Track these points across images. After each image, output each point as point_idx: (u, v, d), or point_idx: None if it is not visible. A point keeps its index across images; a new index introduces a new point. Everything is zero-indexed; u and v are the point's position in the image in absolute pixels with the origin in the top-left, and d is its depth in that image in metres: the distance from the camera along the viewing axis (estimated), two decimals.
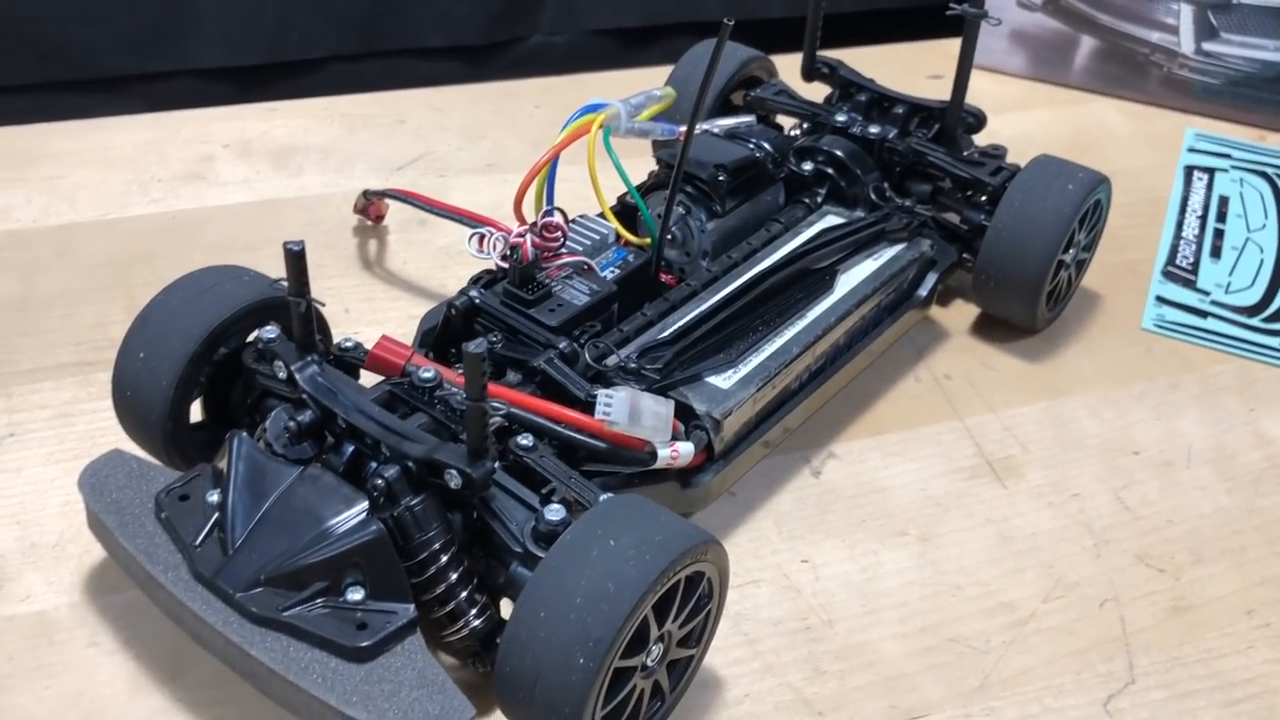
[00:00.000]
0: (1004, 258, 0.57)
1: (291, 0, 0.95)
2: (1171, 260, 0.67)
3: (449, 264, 0.63)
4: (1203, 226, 0.70)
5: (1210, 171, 0.75)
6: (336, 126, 0.74)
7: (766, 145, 0.59)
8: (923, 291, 0.57)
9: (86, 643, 0.42)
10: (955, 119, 0.60)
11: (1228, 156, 0.77)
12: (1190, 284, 0.65)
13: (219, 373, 0.45)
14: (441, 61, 1.03)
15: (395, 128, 0.75)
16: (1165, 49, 0.81)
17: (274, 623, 0.37)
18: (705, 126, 0.61)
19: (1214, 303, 0.64)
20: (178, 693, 0.41)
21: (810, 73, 0.65)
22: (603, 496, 0.40)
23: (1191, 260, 0.67)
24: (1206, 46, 0.80)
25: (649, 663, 0.38)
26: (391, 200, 0.62)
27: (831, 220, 0.58)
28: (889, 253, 0.56)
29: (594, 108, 0.56)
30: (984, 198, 0.59)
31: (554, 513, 0.38)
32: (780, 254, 0.54)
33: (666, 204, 0.52)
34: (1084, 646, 0.45)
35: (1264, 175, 0.75)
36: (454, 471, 0.38)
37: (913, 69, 0.87)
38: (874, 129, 0.60)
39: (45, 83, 0.92)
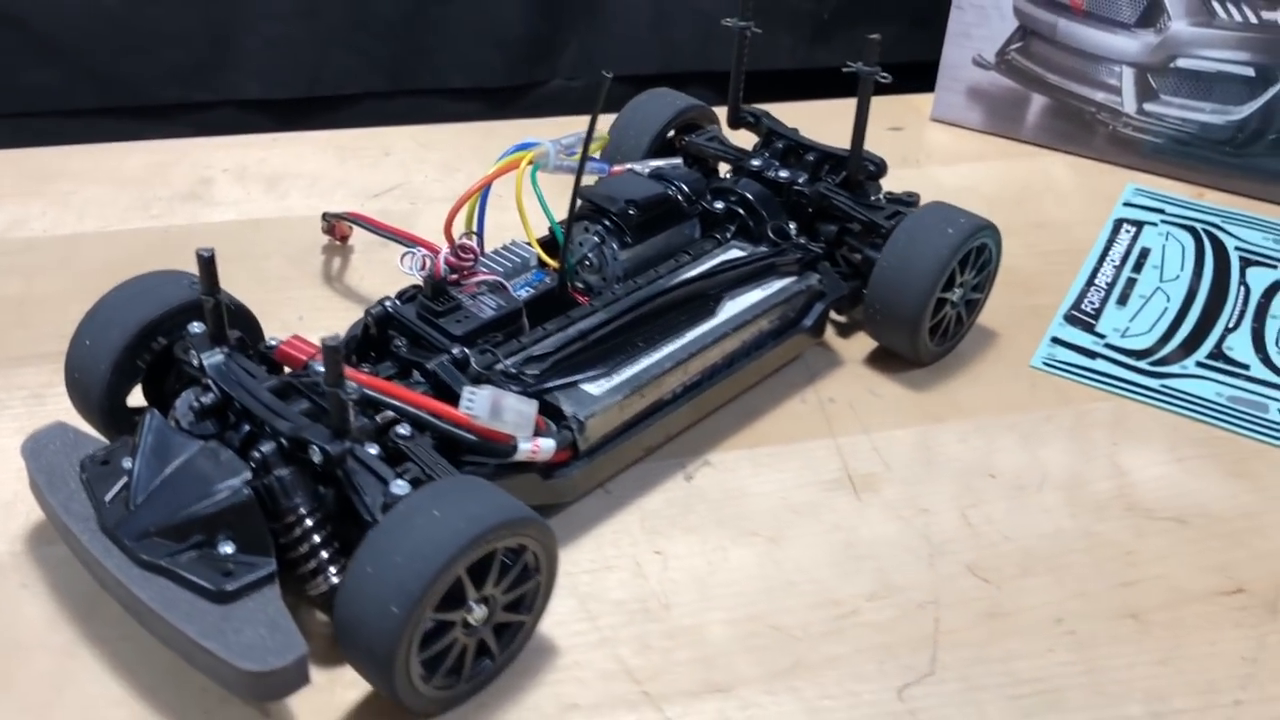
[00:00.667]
0: (887, 293, 0.62)
1: (327, 40, 1.04)
2: (1077, 305, 0.71)
3: (402, 281, 0.69)
4: (1117, 275, 0.74)
5: (1139, 225, 0.79)
6: (328, 157, 0.83)
7: (684, 185, 0.65)
8: (808, 321, 0.62)
9: (19, 584, 0.49)
10: (856, 166, 0.65)
11: (1161, 211, 0.81)
12: (1090, 328, 0.69)
13: (157, 362, 0.52)
14: (465, 102, 1.11)
15: (380, 159, 0.83)
16: (1110, 108, 0.85)
17: (156, 567, 0.44)
18: (634, 166, 0.67)
19: (1107, 345, 0.68)
20: (88, 629, 0.48)
21: (736, 121, 0.71)
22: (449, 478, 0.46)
23: (1097, 306, 0.71)
24: (1147, 107, 0.84)
25: (471, 621, 0.44)
26: (355, 224, 0.69)
27: (734, 254, 0.63)
28: (778, 284, 0.62)
29: (525, 146, 0.63)
30: (880, 238, 0.64)
31: (399, 488, 0.44)
32: (676, 280, 0.60)
33: (567, 226, 0.58)
34: (894, 641, 0.50)
35: (1191, 230, 0.79)
36: (316, 447, 0.45)
37: (874, 121, 0.92)
38: (784, 173, 0.66)
39: (101, 108, 1.02)
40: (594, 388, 0.54)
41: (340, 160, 0.82)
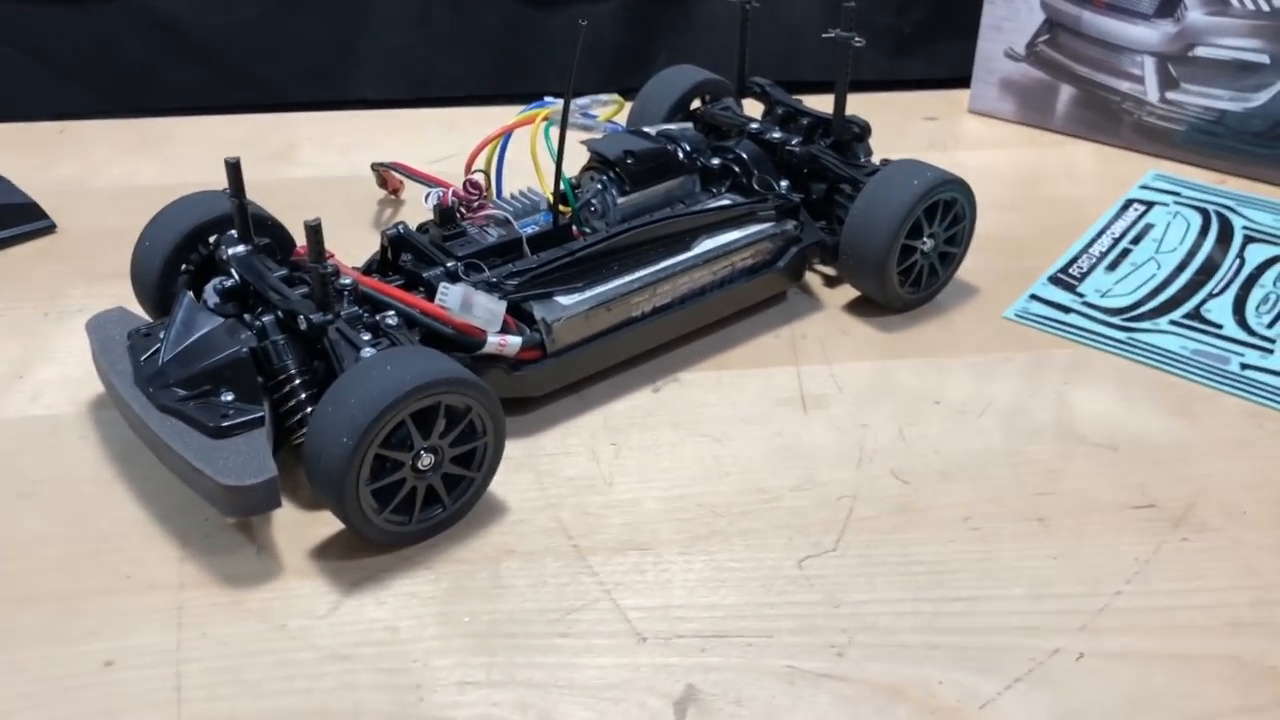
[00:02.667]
0: (857, 239, 0.67)
1: (435, 48, 1.15)
2: (1065, 269, 0.75)
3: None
4: (1113, 246, 0.77)
5: (1149, 204, 0.82)
6: (398, 131, 0.93)
7: (686, 144, 0.72)
8: (781, 262, 0.68)
9: (78, 436, 0.60)
10: (840, 128, 0.71)
11: (1176, 194, 0.84)
12: (1071, 288, 0.73)
13: (204, 262, 0.62)
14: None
15: (445, 133, 0.93)
16: (1134, 97, 0.88)
17: (170, 409, 0.53)
18: (646, 129, 0.75)
19: (1085, 303, 0.71)
20: (124, 470, 0.57)
21: (742, 90, 0.77)
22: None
23: (1085, 270, 0.75)
24: (1170, 95, 0.87)
25: (420, 466, 0.51)
26: (396, 173, 0.79)
27: (723, 202, 0.70)
28: (754, 228, 0.68)
29: (543, 103, 0.72)
30: (857, 191, 0.70)
31: (367, 352, 0.53)
32: (657, 218, 0.67)
33: (556, 168, 0.66)
34: (807, 523, 0.55)
35: (1201, 210, 0.81)
36: (303, 317, 0.54)
37: (911, 111, 0.98)
38: (778, 134, 0.73)
39: (237, 104, 1.15)
40: (566, 299, 0.61)
41: (406, 133, 0.93)
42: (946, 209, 0.69)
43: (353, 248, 0.71)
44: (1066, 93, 0.92)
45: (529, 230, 0.66)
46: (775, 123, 0.75)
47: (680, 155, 0.71)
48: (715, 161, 0.72)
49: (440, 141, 0.91)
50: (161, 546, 0.53)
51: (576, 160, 0.70)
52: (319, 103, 1.16)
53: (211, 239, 0.62)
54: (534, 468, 0.58)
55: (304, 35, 1.12)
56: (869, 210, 0.67)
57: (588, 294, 0.62)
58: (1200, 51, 0.85)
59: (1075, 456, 0.59)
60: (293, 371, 0.54)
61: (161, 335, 0.57)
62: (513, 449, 0.58)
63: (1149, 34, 0.86)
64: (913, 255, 0.68)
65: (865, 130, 0.72)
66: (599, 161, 0.70)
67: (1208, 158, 0.87)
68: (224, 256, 0.59)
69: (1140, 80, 0.88)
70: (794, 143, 0.72)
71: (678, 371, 0.65)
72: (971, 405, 0.63)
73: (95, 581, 0.51)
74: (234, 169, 0.57)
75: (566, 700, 0.46)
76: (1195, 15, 0.84)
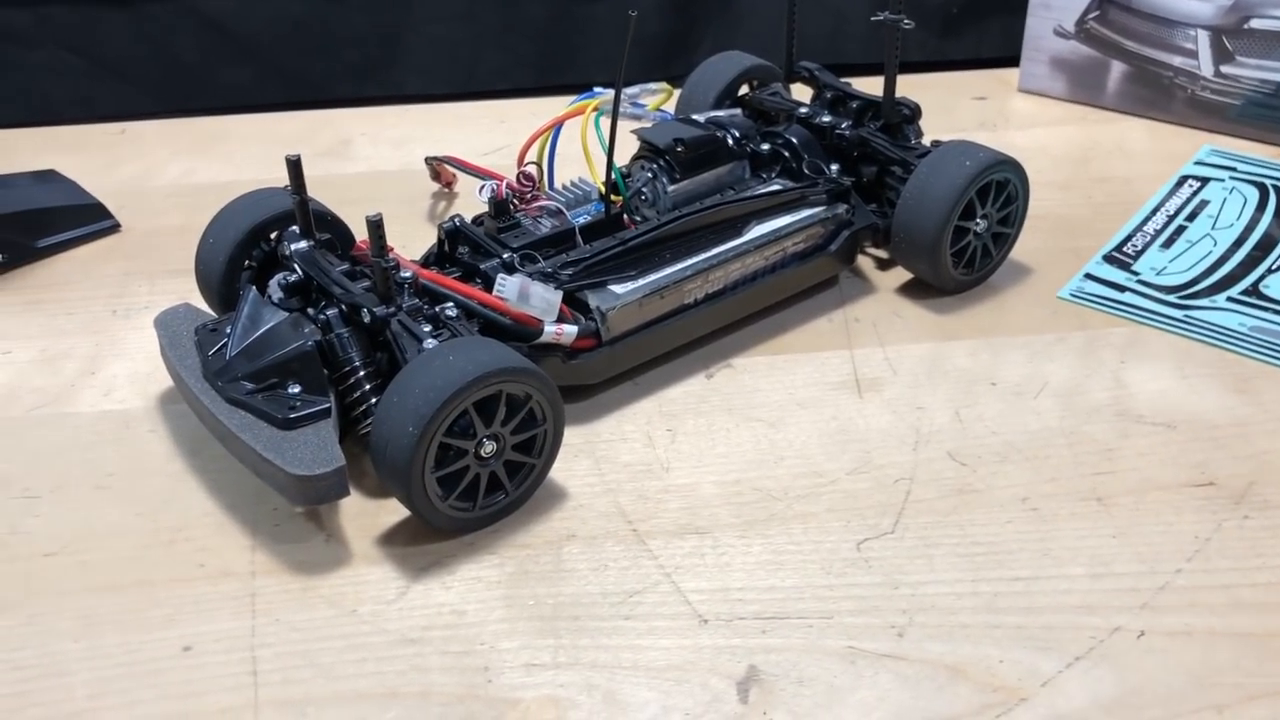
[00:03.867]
0: (909, 220, 0.67)
1: (481, 42, 1.16)
2: (1119, 247, 0.74)
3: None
4: (1169, 223, 0.77)
5: (1205, 180, 0.81)
6: (449, 125, 0.94)
7: (735, 130, 0.72)
8: (833, 246, 0.68)
9: (148, 430, 0.61)
10: (890, 110, 0.71)
11: (1232, 169, 0.83)
12: (1126, 266, 0.72)
13: (267, 257, 0.64)
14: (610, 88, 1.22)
15: (495, 126, 0.94)
16: (1187, 72, 0.87)
17: (239, 402, 0.55)
18: (695, 116, 0.75)
19: (1140, 281, 0.71)
20: (194, 463, 0.59)
21: (790, 75, 0.78)
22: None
23: (1139, 248, 0.74)
24: (1224, 69, 0.86)
25: (483, 454, 0.52)
26: (450, 166, 0.80)
27: (773, 188, 0.70)
28: (805, 212, 0.68)
29: (593, 94, 0.72)
30: (909, 174, 0.70)
31: (429, 343, 0.54)
32: (708, 205, 0.68)
33: (608, 157, 0.66)
34: (865, 506, 0.55)
35: (1259, 185, 0.80)
36: (366, 310, 0.55)
37: (960, 91, 0.97)
38: (827, 118, 0.73)
39: (286, 102, 1.17)
40: (620, 288, 0.62)
41: (458, 127, 0.94)
42: (999, 190, 0.69)
43: (409, 240, 0.72)
44: (1118, 69, 0.91)
45: (581, 220, 0.67)
46: (824, 107, 0.75)
47: (729, 141, 0.72)
48: (765, 147, 0.72)
49: (490, 134, 0.92)
50: (233, 535, 0.54)
51: (626, 149, 0.71)
52: (365, 98, 1.17)
53: (273, 235, 0.63)
54: (592, 454, 0.59)
55: (350, 31, 1.14)
56: (921, 192, 0.67)
57: (641, 282, 0.63)
58: (1255, 23, 0.83)
59: (1133, 436, 0.59)
60: (357, 363, 0.55)
61: (228, 330, 0.58)
62: (571, 436, 0.59)
63: (1202, 7, 0.85)
64: (966, 236, 0.68)
65: (916, 112, 0.72)
66: (649, 150, 0.71)
67: (1265, 131, 0.86)
68: (287, 252, 0.60)
69: (1194, 55, 0.87)
70: (844, 126, 0.72)
71: (731, 357, 0.66)
72: (1028, 386, 0.63)
73: (171, 570, 0.53)
74: (295, 166, 0.58)
75: (631, 681, 0.47)
76: None
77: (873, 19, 0.69)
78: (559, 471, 0.57)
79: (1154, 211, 0.78)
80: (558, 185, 0.71)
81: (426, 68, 1.17)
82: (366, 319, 0.55)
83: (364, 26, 1.14)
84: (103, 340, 0.68)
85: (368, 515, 0.55)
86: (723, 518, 0.55)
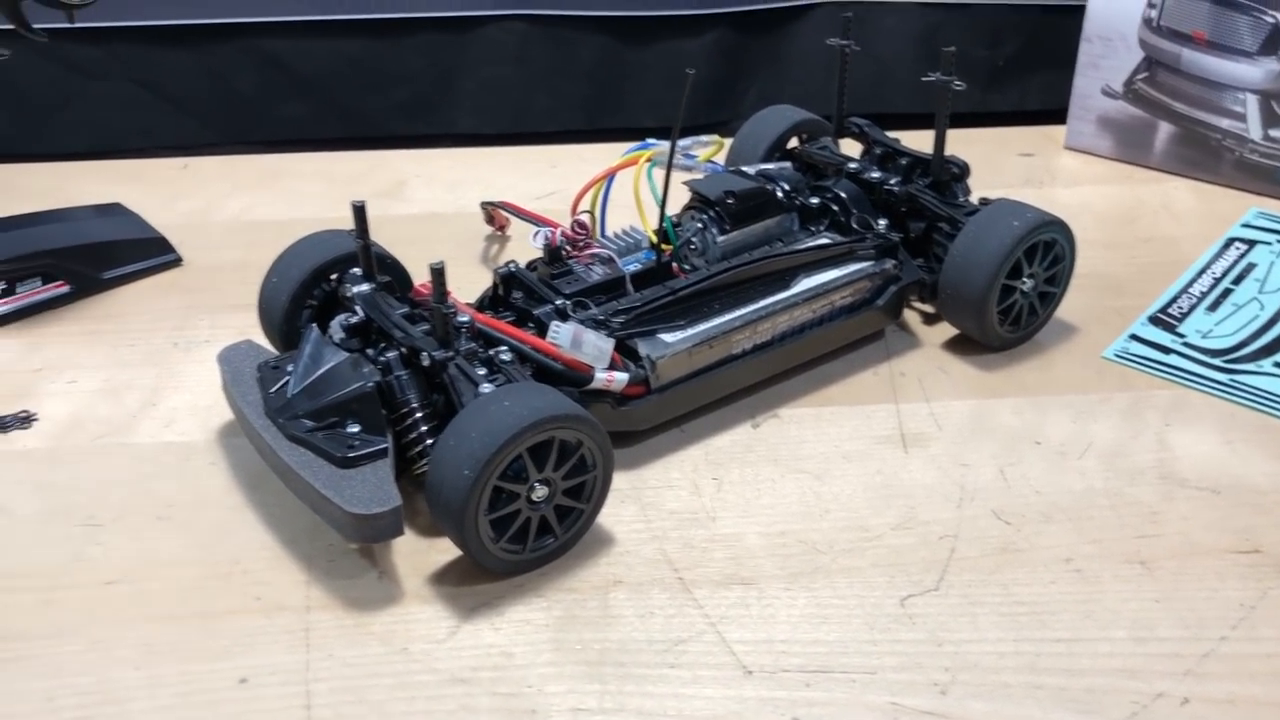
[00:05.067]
0: (957, 278, 0.68)
1: (531, 85, 1.19)
2: (1165, 309, 0.75)
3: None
4: (1215, 285, 0.77)
5: (1252, 243, 0.82)
6: (502, 168, 0.96)
7: (784, 183, 0.74)
8: (881, 300, 0.69)
9: (208, 462, 0.63)
10: (939, 168, 0.72)
11: (1279, 233, 0.83)
12: (1172, 328, 0.73)
13: (328, 298, 0.66)
14: (657, 138, 1.24)
15: (547, 170, 0.96)
16: (1236, 135, 0.88)
17: (300, 440, 0.56)
18: (744, 168, 0.77)
19: (1185, 344, 0.71)
20: (252, 497, 0.60)
21: (840, 131, 0.79)
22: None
23: (1185, 311, 0.75)
24: (1273, 133, 0.87)
25: (535, 498, 0.54)
26: (504, 211, 0.82)
27: (822, 241, 0.71)
28: (853, 266, 0.69)
29: (646, 145, 0.74)
30: (956, 231, 0.71)
31: (485, 387, 0.55)
32: (757, 257, 0.69)
33: (660, 208, 0.68)
34: (909, 562, 0.56)
35: None
36: (425, 354, 0.56)
37: (1007, 146, 0.98)
38: (876, 174, 0.74)
39: (343, 137, 1.20)
40: (669, 336, 0.63)
41: (513, 170, 0.96)
42: (1046, 249, 0.69)
43: (462, 282, 0.73)
44: (1165, 130, 0.91)
45: (632, 268, 0.68)
46: (873, 162, 0.76)
47: (779, 194, 0.73)
48: (814, 200, 0.74)
49: (541, 178, 0.94)
50: (289, 570, 0.56)
51: (678, 200, 0.72)
52: (418, 136, 1.20)
53: (333, 276, 0.65)
54: (638, 500, 0.60)
55: (404, 70, 1.17)
56: (969, 250, 0.68)
57: (690, 331, 0.64)
58: None
59: (1177, 499, 0.59)
60: (415, 405, 0.57)
61: (289, 368, 0.60)
62: (617, 481, 0.60)
63: (1252, 71, 0.86)
64: (1012, 295, 0.69)
65: (965, 170, 0.73)
66: (699, 201, 0.72)
67: None
68: (348, 294, 0.62)
69: (1242, 118, 0.87)
70: (892, 182, 0.73)
71: (777, 407, 0.67)
72: (1072, 446, 0.63)
73: (228, 602, 0.54)
74: (360, 212, 0.60)
75: None
76: None
77: (924, 79, 0.71)
78: (606, 517, 0.58)
79: (1200, 273, 0.78)
80: (609, 233, 0.72)
81: (478, 108, 1.20)
82: (425, 362, 0.56)
83: (418, 66, 1.17)
84: (164, 372, 0.70)
85: (419, 553, 0.56)
86: (768, 569, 0.56)
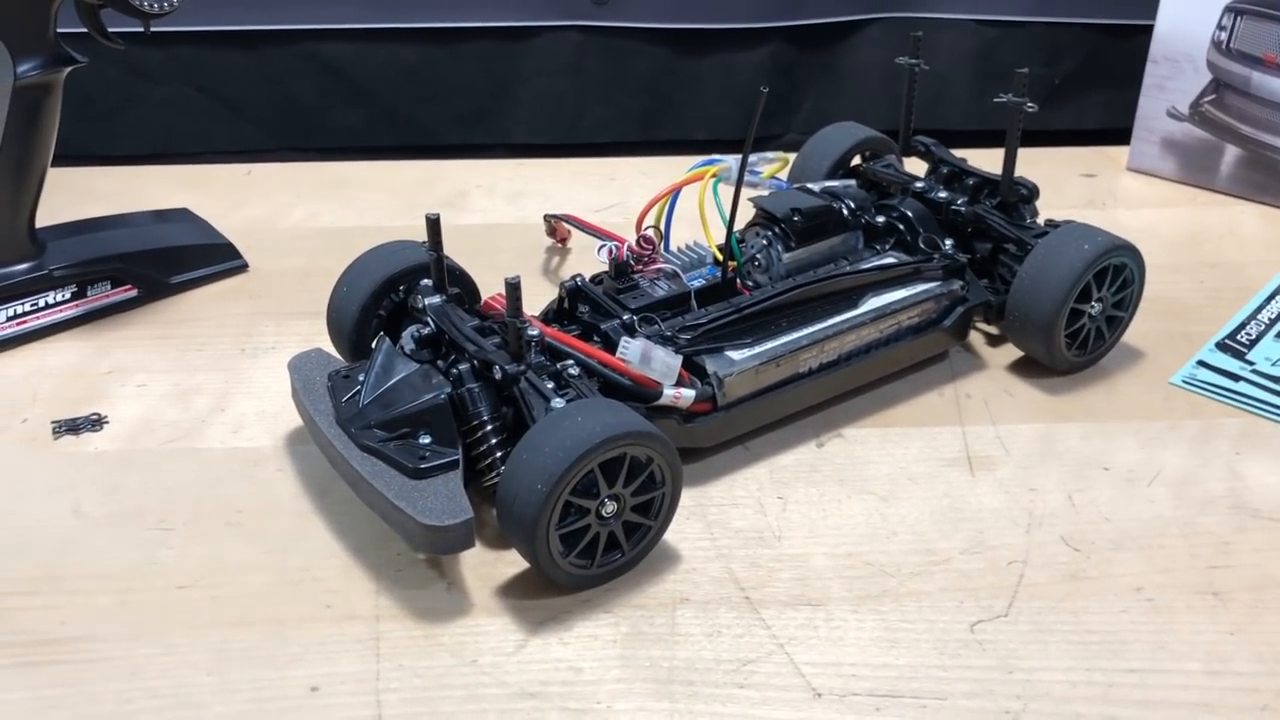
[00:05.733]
0: (1025, 300, 0.68)
1: (586, 96, 1.19)
2: (1233, 335, 0.74)
3: (600, 270, 0.81)
4: None
5: None
6: (562, 179, 0.96)
7: (850, 201, 0.74)
8: (948, 321, 0.69)
9: (276, 469, 0.63)
10: (1007, 189, 0.72)
11: None
12: (1240, 355, 0.72)
13: (397, 308, 0.66)
14: (707, 152, 1.24)
15: (606, 183, 0.96)
16: None
17: (372, 450, 0.56)
18: (809, 185, 0.76)
19: (1254, 371, 0.71)
20: (321, 504, 0.61)
21: (906, 149, 0.79)
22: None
23: (1253, 337, 0.74)
24: None
25: (604, 513, 0.54)
26: (567, 224, 0.82)
27: (888, 261, 0.71)
28: (921, 286, 0.69)
29: (712, 161, 0.74)
30: (1024, 253, 0.70)
31: (557, 402, 0.55)
32: (824, 275, 0.69)
33: (729, 225, 0.68)
34: (978, 587, 0.56)
35: None
36: (498, 367, 0.57)
37: (1069, 167, 0.98)
38: (943, 194, 0.74)
39: (396, 146, 1.21)
40: (736, 354, 0.63)
41: (572, 182, 0.96)
42: (1116, 274, 0.69)
43: (526, 294, 0.73)
44: (1232, 153, 0.91)
45: (696, 284, 0.68)
46: (939, 182, 0.76)
47: (844, 212, 0.73)
48: (880, 219, 0.73)
49: (601, 190, 0.94)
50: (358, 579, 0.56)
51: (742, 216, 0.72)
52: (473, 145, 1.21)
53: (402, 287, 0.65)
54: (703, 517, 0.60)
55: (461, 79, 1.17)
56: (1038, 273, 0.67)
57: (757, 349, 0.64)
58: None
59: (1249, 530, 0.59)
60: (486, 418, 0.57)
61: (360, 378, 0.60)
62: (683, 498, 0.59)
63: None
64: (1080, 319, 0.69)
65: (1033, 193, 0.73)
66: (764, 217, 0.72)
67: None
68: (419, 305, 0.62)
69: None
70: (959, 202, 0.73)
71: (841, 427, 0.67)
72: (1141, 473, 0.63)
73: (298, 609, 0.54)
74: (434, 225, 0.60)
75: None
76: None
77: (996, 100, 0.70)
78: (672, 534, 0.58)
79: (1269, 300, 0.78)
80: (673, 248, 0.72)
81: (533, 118, 1.20)
82: (498, 375, 0.57)
83: (474, 75, 1.18)
84: (231, 377, 0.71)
85: (486, 565, 0.57)
86: (835, 590, 0.55)
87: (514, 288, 0.55)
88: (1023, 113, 0.70)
